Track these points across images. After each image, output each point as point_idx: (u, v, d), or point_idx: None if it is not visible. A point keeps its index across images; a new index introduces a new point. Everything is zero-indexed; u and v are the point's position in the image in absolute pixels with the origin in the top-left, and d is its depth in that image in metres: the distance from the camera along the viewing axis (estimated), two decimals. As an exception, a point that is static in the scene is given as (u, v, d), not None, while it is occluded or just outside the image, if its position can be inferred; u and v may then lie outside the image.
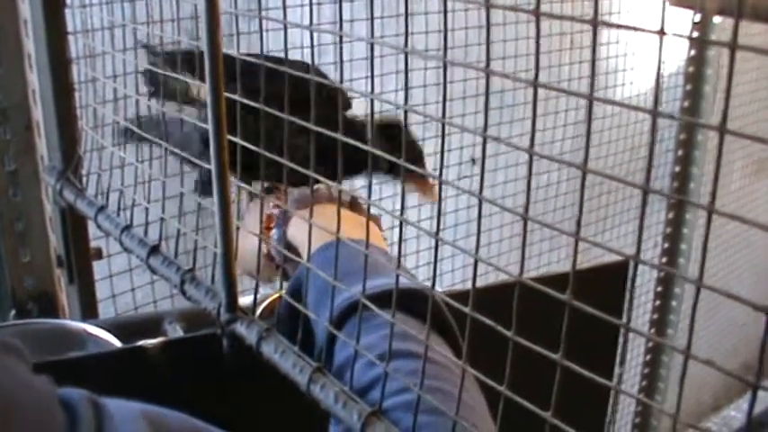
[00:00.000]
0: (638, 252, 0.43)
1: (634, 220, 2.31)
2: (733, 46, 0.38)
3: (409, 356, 0.65)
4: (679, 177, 2.25)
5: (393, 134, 0.91)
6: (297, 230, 0.90)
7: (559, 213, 2.09)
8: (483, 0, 0.47)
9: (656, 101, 0.40)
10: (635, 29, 0.42)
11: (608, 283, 1.03)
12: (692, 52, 2.13)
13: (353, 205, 0.91)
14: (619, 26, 0.42)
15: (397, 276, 0.62)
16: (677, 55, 2.17)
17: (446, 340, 0.70)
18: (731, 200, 2.59)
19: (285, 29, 0.74)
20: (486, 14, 0.46)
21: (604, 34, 1.93)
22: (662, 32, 0.40)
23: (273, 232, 0.93)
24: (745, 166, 2.66)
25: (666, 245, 2.32)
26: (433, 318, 0.61)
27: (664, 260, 2.33)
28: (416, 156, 0.97)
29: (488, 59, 0.47)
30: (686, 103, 2.19)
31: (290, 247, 0.92)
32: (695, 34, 2.08)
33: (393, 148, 0.93)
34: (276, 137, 0.72)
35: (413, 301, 0.67)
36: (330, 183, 0.68)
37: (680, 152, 2.25)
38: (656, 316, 2.39)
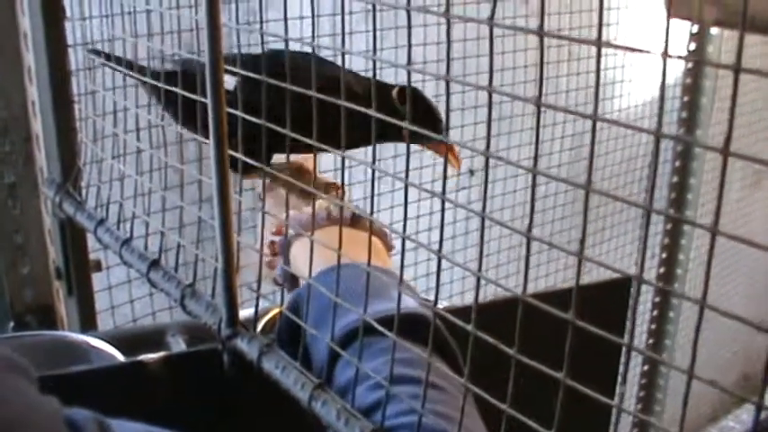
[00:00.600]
0: (641, 272, 0.43)
1: (633, 231, 2.32)
2: (737, 68, 0.38)
3: (412, 382, 0.64)
4: (677, 188, 2.25)
5: (412, 100, 0.90)
6: (299, 257, 0.88)
7: (558, 224, 2.09)
8: (486, 18, 0.47)
9: (660, 122, 0.41)
10: (638, 50, 0.42)
11: (610, 298, 1.03)
12: (690, 64, 2.13)
13: (354, 222, 0.90)
14: (622, 47, 0.42)
15: (399, 302, 0.62)
16: (674, 66, 2.18)
17: (448, 364, 0.69)
18: (730, 209, 2.59)
19: (287, 43, 0.75)
20: (489, 34, 0.46)
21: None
22: (666, 54, 0.40)
23: (279, 261, 0.91)
24: (745, 176, 2.66)
25: (665, 255, 2.32)
26: (435, 343, 0.60)
27: (661, 270, 2.33)
28: (436, 122, 0.94)
29: (491, 79, 0.47)
30: (684, 114, 2.19)
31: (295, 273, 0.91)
32: (692, 46, 2.09)
33: (413, 114, 0.93)
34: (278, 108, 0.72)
35: (415, 327, 0.67)
36: (337, 152, 0.66)
37: (677, 163, 2.25)
38: (654, 326, 2.39)
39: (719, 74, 2.14)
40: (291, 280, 0.92)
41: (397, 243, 0.95)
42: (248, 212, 1.34)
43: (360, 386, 0.67)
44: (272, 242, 0.91)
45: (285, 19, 0.76)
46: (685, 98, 2.19)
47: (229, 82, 0.82)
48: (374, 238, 0.88)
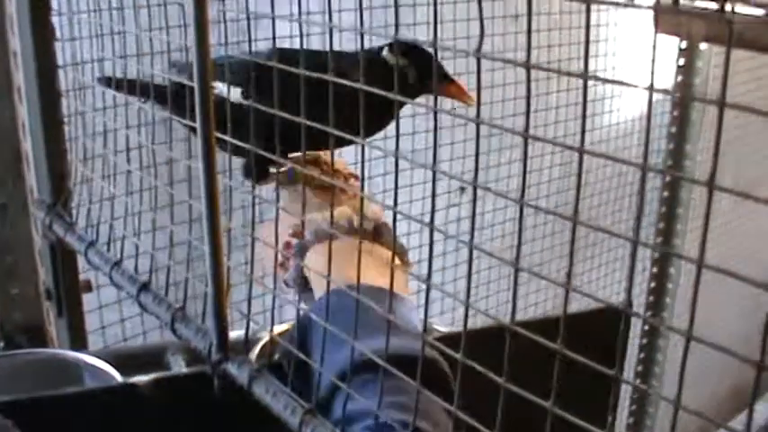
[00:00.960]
0: (628, 304, 0.43)
1: (624, 246, 2.31)
2: (722, 103, 0.38)
3: (408, 429, 0.62)
4: (667, 203, 2.26)
5: (407, 52, 0.89)
6: (313, 266, 0.84)
7: (548, 240, 2.09)
8: (473, 51, 0.48)
9: (645, 155, 0.41)
10: (625, 84, 0.42)
11: (604, 323, 1.03)
12: (680, 78, 2.14)
13: (378, 234, 0.86)
14: (609, 81, 0.42)
15: (387, 339, 0.61)
16: (664, 80, 2.18)
17: (449, 404, 0.67)
18: (720, 222, 2.59)
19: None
20: (476, 66, 0.46)
21: (591, 62, 1.94)
22: (651, 89, 0.40)
23: (292, 263, 0.89)
24: (734, 187, 2.66)
25: (655, 269, 2.33)
26: (437, 384, 0.59)
27: (652, 284, 2.34)
28: (438, 66, 0.90)
29: (479, 111, 0.47)
30: (673, 129, 2.20)
31: (306, 278, 0.89)
32: (681, 61, 2.10)
33: (414, 65, 0.90)
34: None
35: (416, 367, 0.63)
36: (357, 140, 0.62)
37: (667, 177, 2.26)
38: (644, 340, 2.40)
39: (709, 90, 2.15)
40: (303, 284, 0.90)
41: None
42: (239, 231, 1.34)
43: (357, 424, 0.66)
44: (288, 243, 0.89)
45: (273, 38, 0.76)
46: (675, 113, 2.19)
47: (225, 91, 0.81)
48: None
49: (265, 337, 0.99)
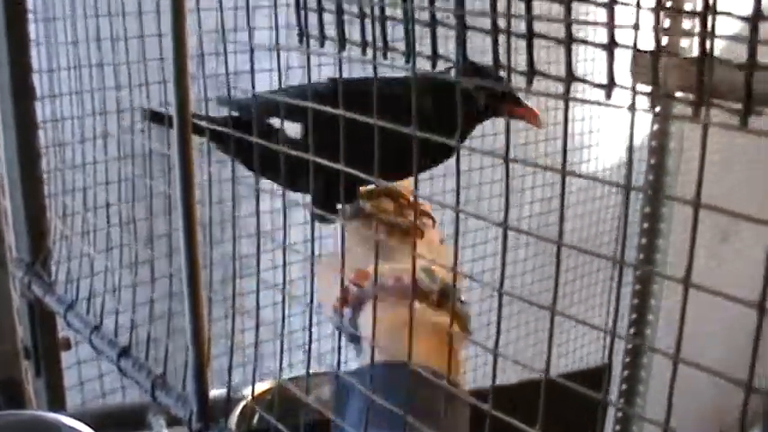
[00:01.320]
0: (605, 395, 0.44)
1: (604, 292, 2.32)
2: (696, 204, 0.39)
3: None
4: (645, 248, 2.26)
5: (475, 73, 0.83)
6: (367, 323, 0.73)
7: (526, 289, 2.10)
8: (454, 141, 0.48)
9: (623, 250, 0.41)
10: (603, 181, 0.43)
11: (587, 385, 1.03)
12: (656, 126, 2.16)
13: (444, 297, 0.77)
14: (587, 177, 0.43)
15: None
16: (641, 129, 2.20)
17: None
18: (698, 271, 2.59)
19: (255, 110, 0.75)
20: (456, 158, 0.47)
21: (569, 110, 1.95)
22: (628, 186, 0.41)
23: (347, 311, 0.81)
24: (713, 235, 2.67)
25: (634, 315, 2.33)
26: None
27: (632, 330, 2.34)
28: (507, 88, 0.83)
29: (458, 200, 0.48)
30: (650, 176, 2.21)
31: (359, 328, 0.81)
32: (657, 108, 2.11)
33: (483, 91, 0.87)
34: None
35: None
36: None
37: (647, 221, 2.27)
38: (624, 386, 2.40)
39: (685, 135, 2.16)
40: (353, 337, 0.82)
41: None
42: (218, 285, 1.34)
43: None
44: (347, 288, 0.80)
45: (251, 73, 0.76)
46: (652, 160, 2.21)
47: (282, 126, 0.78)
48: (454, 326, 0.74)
49: (246, 399, 0.98)
